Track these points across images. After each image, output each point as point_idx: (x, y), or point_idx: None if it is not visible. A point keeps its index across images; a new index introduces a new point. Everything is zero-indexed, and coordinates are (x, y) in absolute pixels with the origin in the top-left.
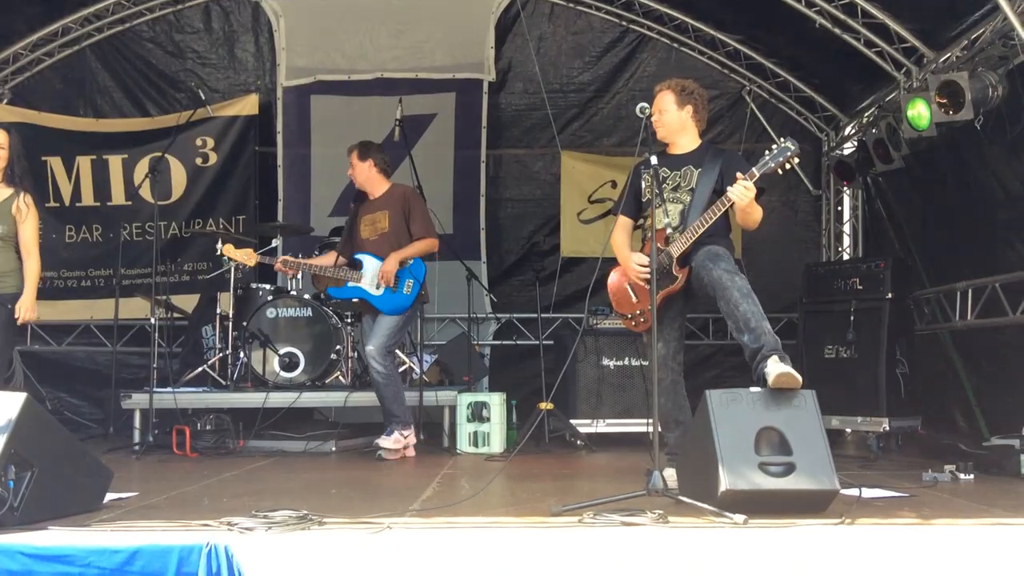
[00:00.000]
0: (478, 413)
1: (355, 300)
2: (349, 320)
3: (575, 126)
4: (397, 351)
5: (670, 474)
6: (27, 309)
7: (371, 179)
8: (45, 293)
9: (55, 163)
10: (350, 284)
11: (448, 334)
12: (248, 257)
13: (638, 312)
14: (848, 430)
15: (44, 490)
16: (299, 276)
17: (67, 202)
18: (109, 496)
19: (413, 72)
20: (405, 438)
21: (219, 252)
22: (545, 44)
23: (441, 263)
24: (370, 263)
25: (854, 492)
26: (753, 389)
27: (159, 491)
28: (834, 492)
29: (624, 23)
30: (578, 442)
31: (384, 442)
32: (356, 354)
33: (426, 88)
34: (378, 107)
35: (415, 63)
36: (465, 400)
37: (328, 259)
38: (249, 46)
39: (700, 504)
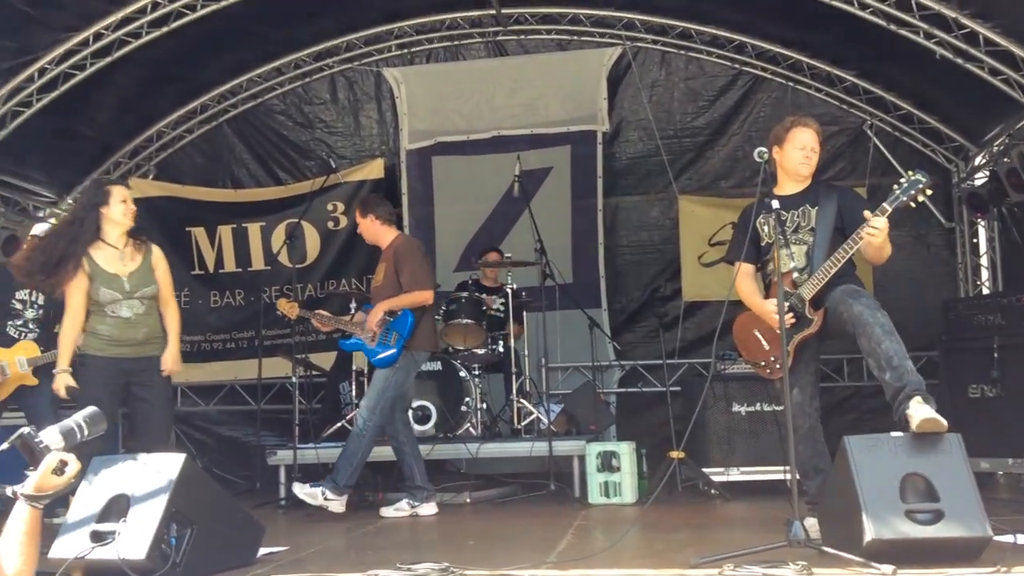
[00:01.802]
0: (608, 463)
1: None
2: (477, 372)
3: (692, 170)
4: (523, 400)
5: (812, 524)
6: (174, 361)
7: (377, 233)
8: (193, 356)
9: (199, 233)
10: (354, 337)
11: (573, 383)
12: (291, 310)
13: (772, 359)
14: (999, 472)
15: (203, 546)
16: None
17: (211, 269)
18: (262, 551)
19: (528, 128)
20: (325, 500)
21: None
22: (658, 91)
23: (562, 312)
24: (367, 315)
25: (1009, 538)
26: (895, 434)
27: (308, 545)
28: (987, 539)
29: (737, 66)
30: (712, 491)
31: (299, 489)
32: (485, 406)
33: (541, 143)
34: (496, 164)
35: (530, 119)
36: (594, 450)
37: (360, 314)
38: (373, 113)
39: (845, 555)
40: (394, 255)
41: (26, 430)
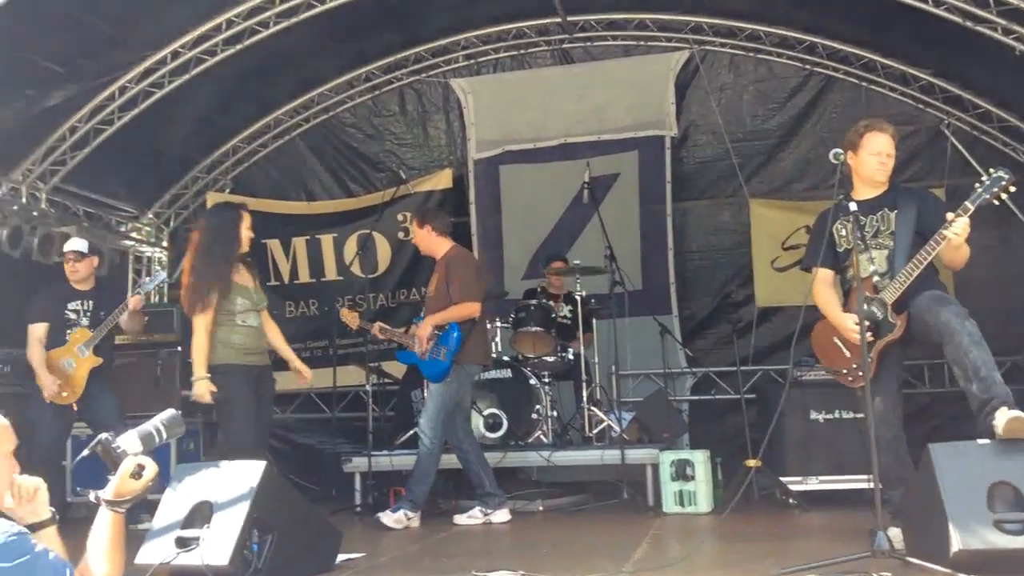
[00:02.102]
0: (682, 471)
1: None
2: (547, 380)
3: (762, 173)
4: (594, 408)
5: (895, 534)
6: (307, 370)
7: (432, 244)
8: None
9: (274, 245)
10: (409, 349)
11: (644, 391)
12: (353, 320)
13: (853, 366)
14: None
15: (284, 552)
16: (497, 340)
17: (286, 280)
18: (340, 557)
19: (596, 135)
20: (408, 520)
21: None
22: (727, 94)
23: (632, 319)
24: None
25: None
26: (981, 441)
27: (384, 551)
28: None
29: (808, 67)
30: (789, 500)
31: (386, 518)
32: (556, 413)
33: (609, 149)
34: (563, 171)
35: (597, 126)
36: (667, 458)
37: (376, 326)
38: (441, 124)
39: (931, 566)
40: (446, 266)
41: (105, 436)
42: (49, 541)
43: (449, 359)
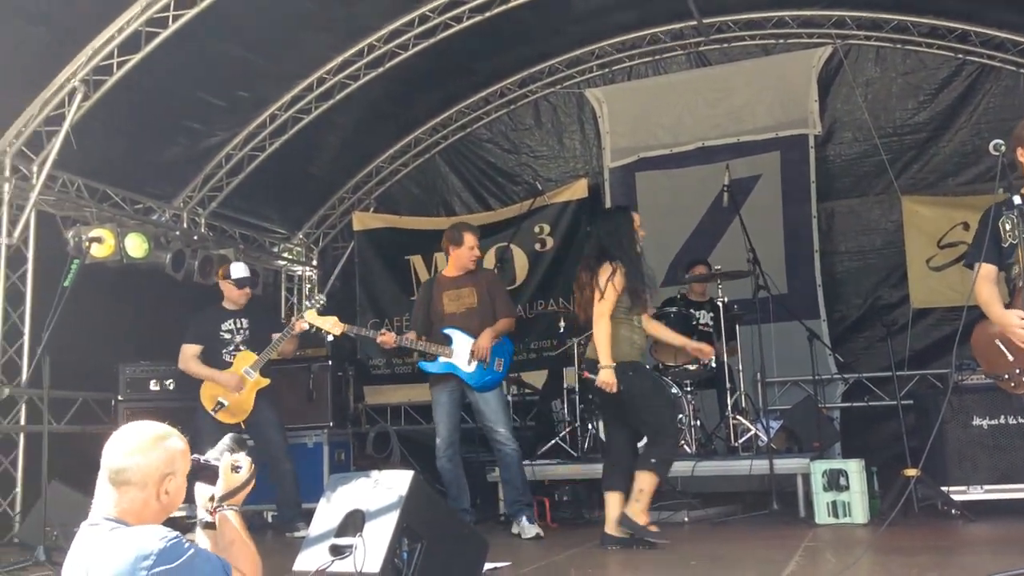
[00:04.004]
0: (835, 481)
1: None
2: (689, 389)
3: (914, 169)
4: (739, 417)
5: None
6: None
7: (469, 262)
8: (414, 376)
9: (416, 261)
10: (441, 359)
11: (792, 398)
12: (334, 326)
13: (1017, 371)
14: None
15: (432, 561)
16: None
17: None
18: (487, 566)
19: (734, 137)
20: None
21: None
22: (873, 89)
23: (777, 324)
24: (460, 338)
25: None
26: None
27: (529, 561)
28: None
29: (960, 56)
30: (952, 511)
31: (528, 531)
32: (699, 423)
33: (749, 151)
34: (701, 175)
35: (735, 128)
36: (819, 468)
37: (411, 335)
38: (576, 134)
39: None
40: (489, 284)
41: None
42: (201, 541)
43: (504, 369)
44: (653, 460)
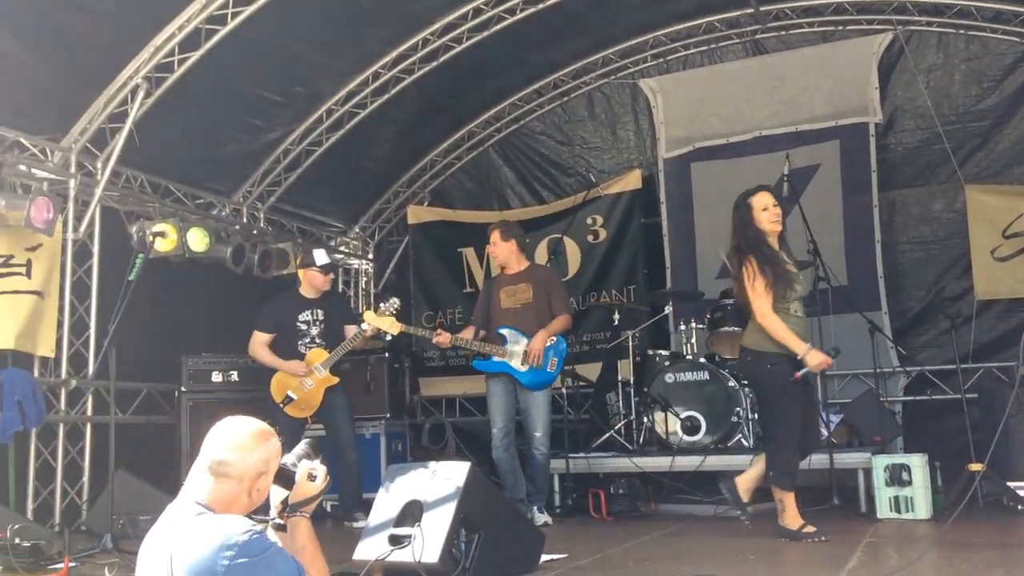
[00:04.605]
0: (897, 476)
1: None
2: (746, 382)
3: (979, 157)
4: None
5: None
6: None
7: (512, 256)
8: (467, 369)
9: (469, 253)
10: (495, 359)
11: (852, 391)
12: (391, 327)
13: None
14: None
15: (490, 551)
16: (693, 341)
17: (480, 287)
18: (544, 557)
19: (792, 126)
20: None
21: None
22: (935, 75)
23: (837, 316)
24: (514, 339)
25: None
26: None
27: (585, 553)
28: None
29: None
30: (1019, 507)
31: (540, 519)
32: (757, 416)
33: (807, 140)
34: (757, 166)
35: (793, 117)
36: (881, 463)
37: (468, 332)
38: (629, 125)
39: None
40: (547, 281)
41: None
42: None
43: (558, 369)
44: (771, 473)
